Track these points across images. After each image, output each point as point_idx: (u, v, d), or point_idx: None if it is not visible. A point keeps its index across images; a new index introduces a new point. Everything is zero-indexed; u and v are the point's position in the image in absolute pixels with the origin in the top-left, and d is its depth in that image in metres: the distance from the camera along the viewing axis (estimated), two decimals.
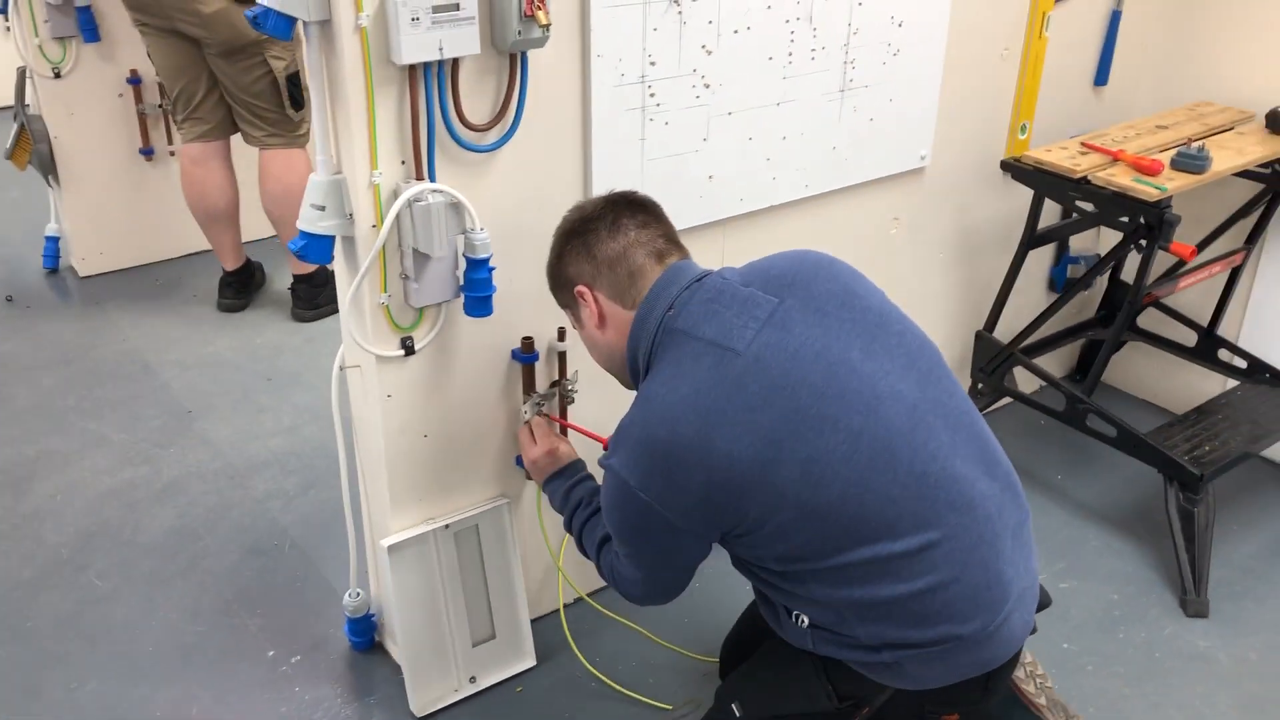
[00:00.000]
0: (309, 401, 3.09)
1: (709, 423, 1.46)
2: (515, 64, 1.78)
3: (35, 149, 3.59)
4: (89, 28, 3.52)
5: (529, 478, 2.07)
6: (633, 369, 1.66)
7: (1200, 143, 2.30)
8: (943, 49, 2.36)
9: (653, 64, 1.94)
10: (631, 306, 1.63)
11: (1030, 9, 2.51)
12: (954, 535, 1.46)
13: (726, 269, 1.65)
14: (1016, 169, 2.43)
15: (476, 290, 1.81)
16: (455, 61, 1.71)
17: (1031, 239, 2.55)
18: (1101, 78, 2.76)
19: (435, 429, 1.98)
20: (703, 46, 1.99)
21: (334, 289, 3.55)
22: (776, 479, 1.45)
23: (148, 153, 3.77)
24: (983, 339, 2.69)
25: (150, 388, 3.16)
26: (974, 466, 1.51)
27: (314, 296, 3.55)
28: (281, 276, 3.78)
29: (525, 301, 1.96)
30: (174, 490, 2.71)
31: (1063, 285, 2.96)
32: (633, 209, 1.68)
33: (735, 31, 2.02)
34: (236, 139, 3.43)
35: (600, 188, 1.96)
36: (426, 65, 1.68)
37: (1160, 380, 3.02)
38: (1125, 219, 2.25)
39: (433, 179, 1.76)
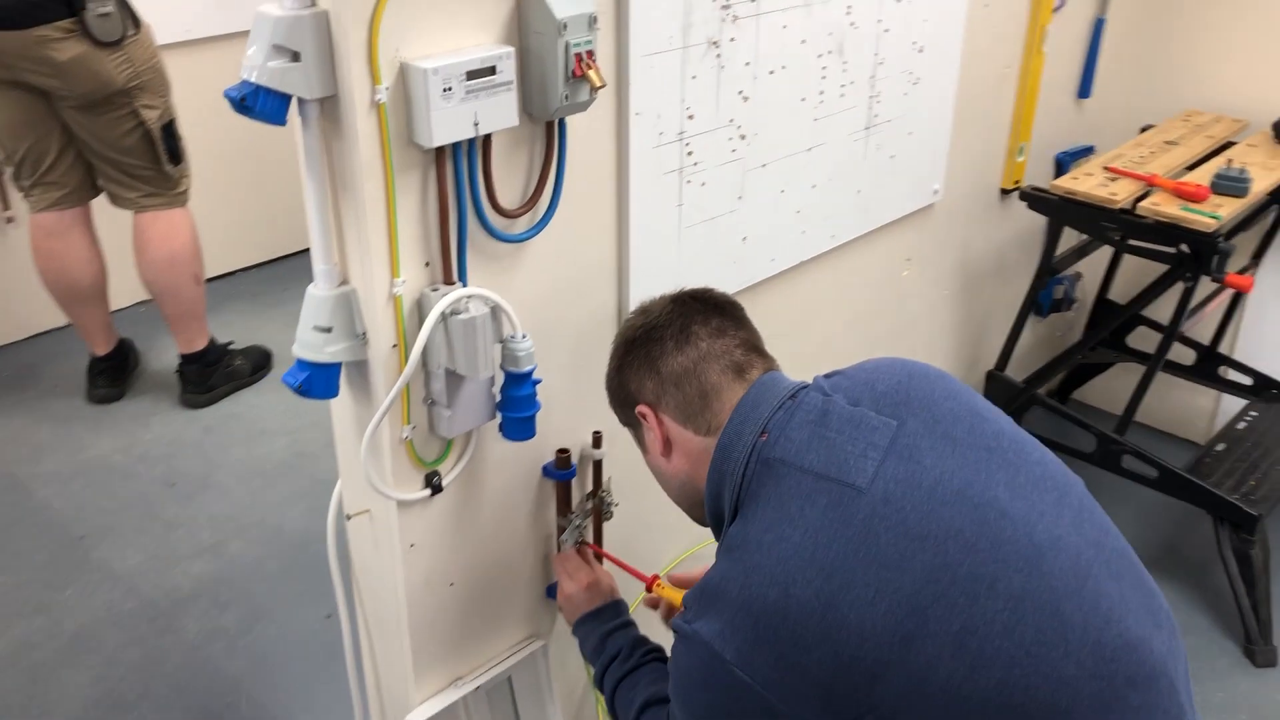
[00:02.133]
0: (225, 510, 2.64)
1: (833, 583, 1.14)
2: (553, 133, 1.45)
3: None
4: None
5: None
6: (714, 510, 1.34)
7: (1240, 164, 2.15)
8: (956, 73, 2.15)
9: (690, 118, 1.64)
10: (705, 432, 1.35)
11: (1029, 23, 2.32)
12: None
13: (819, 381, 1.35)
14: (1037, 199, 2.24)
15: (518, 410, 1.47)
16: (488, 137, 1.37)
17: (1047, 269, 2.36)
18: (1085, 90, 2.61)
19: (463, 574, 1.62)
20: (739, 92, 1.70)
21: (229, 367, 3.12)
22: (921, 658, 1.13)
23: None
24: (996, 379, 2.49)
25: (26, 510, 2.64)
26: (1145, 620, 1.21)
27: (206, 378, 3.08)
28: (158, 353, 3.28)
29: (556, 408, 1.62)
30: (83, 644, 2.23)
31: (1048, 308, 2.81)
32: (707, 312, 1.40)
33: (771, 72, 1.74)
34: (98, 202, 2.92)
35: (637, 267, 1.65)
36: (457, 144, 1.33)
37: (1155, 401, 2.88)
38: (1171, 250, 2.08)
39: (464, 281, 1.41)
